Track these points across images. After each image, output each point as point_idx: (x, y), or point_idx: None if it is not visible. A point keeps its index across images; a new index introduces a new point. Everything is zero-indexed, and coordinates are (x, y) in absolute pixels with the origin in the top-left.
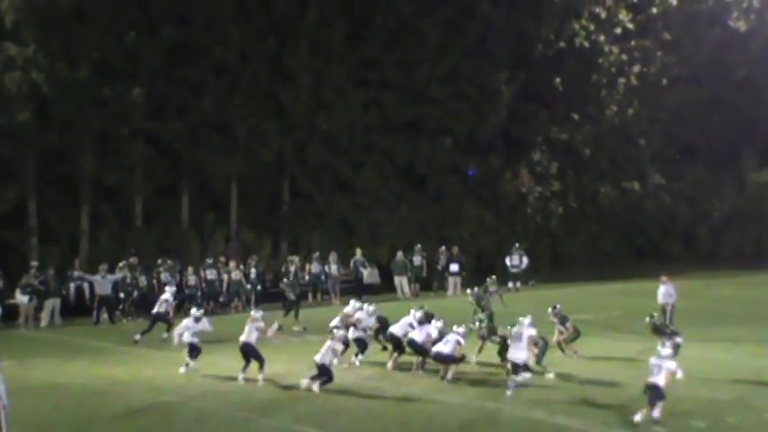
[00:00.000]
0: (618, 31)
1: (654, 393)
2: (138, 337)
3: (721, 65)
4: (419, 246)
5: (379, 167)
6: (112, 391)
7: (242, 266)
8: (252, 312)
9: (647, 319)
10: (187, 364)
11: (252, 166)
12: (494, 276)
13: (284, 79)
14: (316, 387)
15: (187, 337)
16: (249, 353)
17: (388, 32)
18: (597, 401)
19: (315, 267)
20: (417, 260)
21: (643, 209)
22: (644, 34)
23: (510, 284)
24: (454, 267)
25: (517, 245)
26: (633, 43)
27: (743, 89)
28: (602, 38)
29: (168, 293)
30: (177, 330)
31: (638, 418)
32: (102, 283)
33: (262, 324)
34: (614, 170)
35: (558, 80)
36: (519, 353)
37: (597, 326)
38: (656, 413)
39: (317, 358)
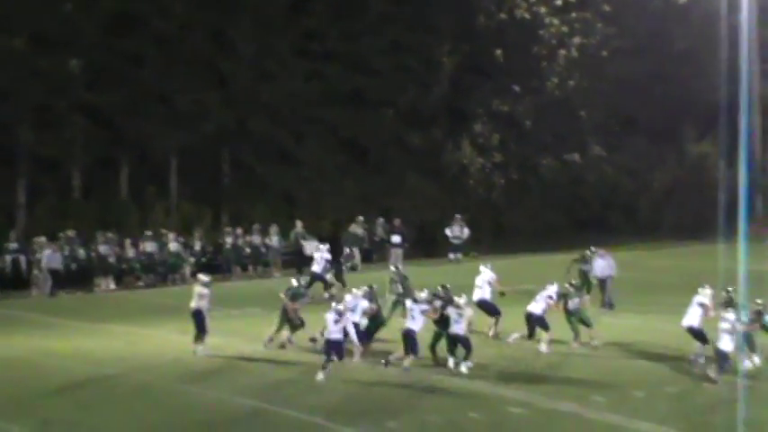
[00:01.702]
0: (558, 2)
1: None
2: None
3: (662, 37)
4: (361, 218)
5: (322, 139)
6: (52, 364)
7: (181, 239)
8: (200, 276)
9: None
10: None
11: (193, 138)
12: None
13: (226, 50)
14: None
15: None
16: (198, 320)
17: (331, 4)
18: (539, 372)
19: (255, 239)
20: (360, 232)
21: (584, 180)
22: (584, 6)
23: (451, 255)
24: (396, 239)
25: (458, 216)
26: (574, 15)
27: (683, 61)
28: (542, 9)
29: None
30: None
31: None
32: (53, 257)
33: (206, 291)
34: (556, 142)
35: (499, 52)
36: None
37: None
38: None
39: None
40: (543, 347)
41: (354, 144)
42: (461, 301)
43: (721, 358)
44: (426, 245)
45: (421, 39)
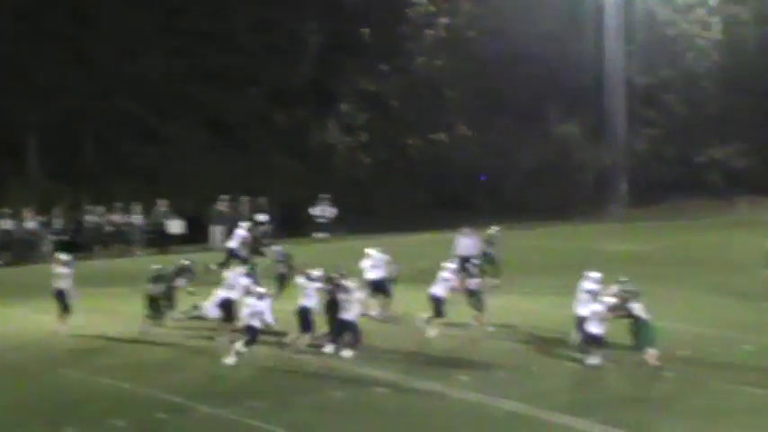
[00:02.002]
0: None
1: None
2: None
3: (528, 18)
4: (225, 197)
5: (187, 117)
6: None
7: (39, 217)
8: (60, 256)
9: None
10: None
11: (53, 114)
12: None
13: (88, 25)
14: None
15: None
16: (60, 300)
17: None
18: (406, 352)
19: (117, 218)
20: (224, 211)
21: (450, 160)
22: None
23: (319, 235)
24: (261, 218)
25: (324, 196)
26: None
27: (549, 42)
28: None
29: None
30: None
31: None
32: None
33: (67, 270)
34: (422, 121)
35: (366, 31)
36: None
37: (404, 276)
38: None
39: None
40: (431, 332)
41: (220, 123)
42: (351, 284)
43: (592, 341)
44: (292, 224)
45: (287, 17)
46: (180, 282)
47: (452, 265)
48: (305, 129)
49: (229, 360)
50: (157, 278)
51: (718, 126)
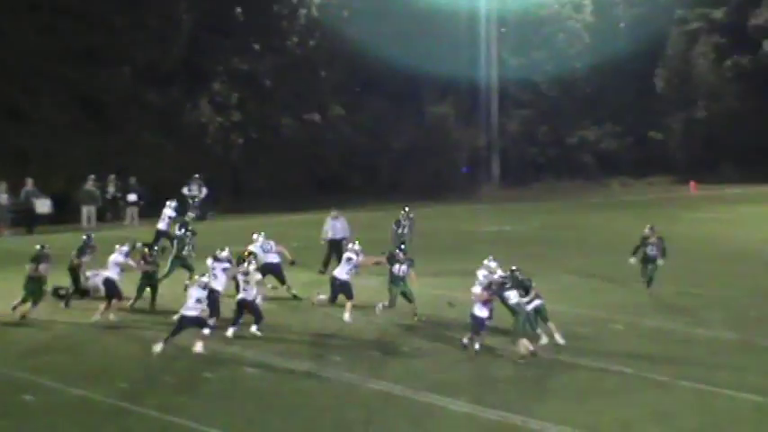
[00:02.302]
0: None
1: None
2: None
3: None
4: (93, 176)
5: (56, 96)
6: None
7: None
8: None
9: None
10: None
11: None
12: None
13: None
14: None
15: None
16: None
17: None
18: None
19: None
20: (93, 190)
21: (324, 141)
22: None
23: (189, 214)
24: (132, 197)
25: (196, 175)
26: None
27: (424, 24)
28: None
29: None
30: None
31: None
32: None
33: None
34: (296, 101)
35: (239, 10)
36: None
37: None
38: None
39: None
40: (347, 316)
41: (90, 101)
42: (251, 267)
43: (476, 324)
44: (163, 204)
45: None
46: (85, 258)
47: (356, 246)
48: (177, 108)
49: (157, 348)
50: (39, 258)
51: (590, 108)
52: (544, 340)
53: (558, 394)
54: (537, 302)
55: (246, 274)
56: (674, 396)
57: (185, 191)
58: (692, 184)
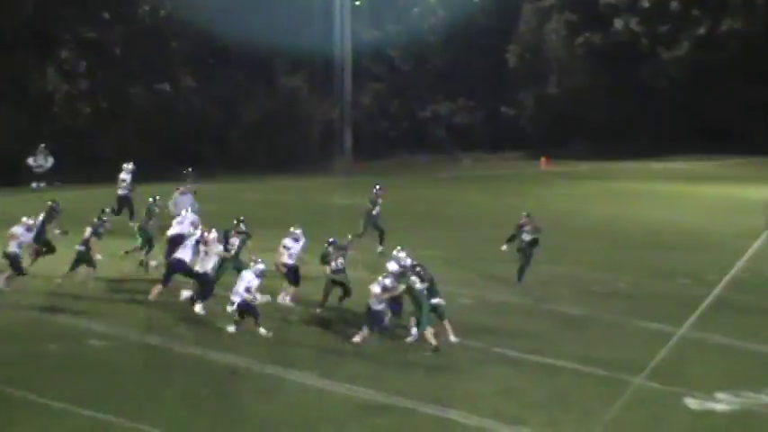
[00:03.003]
0: None
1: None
2: None
3: None
4: None
5: None
6: None
7: None
8: None
9: None
10: None
11: None
12: None
13: None
14: None
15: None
16: None
17: None
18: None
19: None
20: None
21: (175, 111)
22: None
23: (34, 185)
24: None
25: (42, 145)
26: None
27: None
28: None
29: None
30: None
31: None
32: None
33: None
34: (146, 71)
35: None
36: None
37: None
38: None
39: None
40: (285, 298)
41: None
42: (211, 236)
43: (372, 318)
44: (8, 174)
45: None
46: (153, 222)
47: (298, 231)
48: (23, 76)
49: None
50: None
51: (443, 82)
52: (413, 332)
53: (408, 368)
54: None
55: (206, 243)
56: (522, 370)
57: (31, 161)
58: (543, 159)
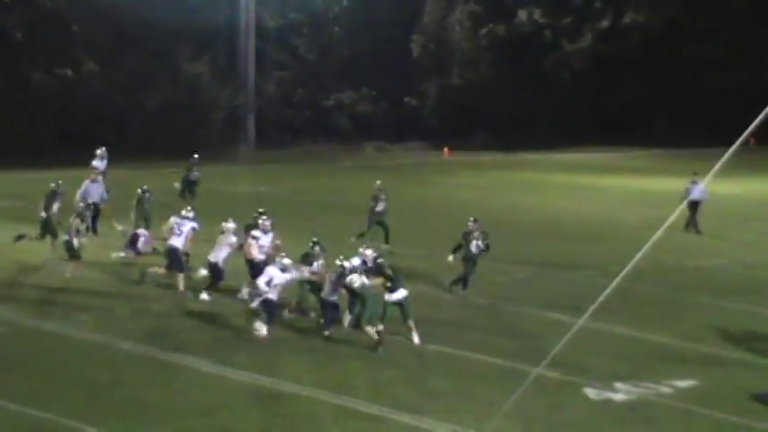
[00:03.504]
0: None
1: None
2: None
3: None
4: None
5: None
6: None
7: None
8: None
9: None
10: None
11: None
12: None
13: None
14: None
15: None
16: None
17: None
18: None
19: None
20: None
21: (76, 96)
22: None
23: None
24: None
25: None
26: None
27: None
28: None
29: None
30: None
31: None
32: None
33: None
34: (47, 56)
35: None
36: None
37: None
38: None
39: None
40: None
41: None
42: (229, 225)
43: (329, 309)
44: None
45: None
46: (55, 207)
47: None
48: None
49: (261, 333)
50: None
51: (347, 71)
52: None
53: (308, 356)
54: (401, 295)
55: (222, 233)
56: (424, 358)
57: None
58: (445, 149)
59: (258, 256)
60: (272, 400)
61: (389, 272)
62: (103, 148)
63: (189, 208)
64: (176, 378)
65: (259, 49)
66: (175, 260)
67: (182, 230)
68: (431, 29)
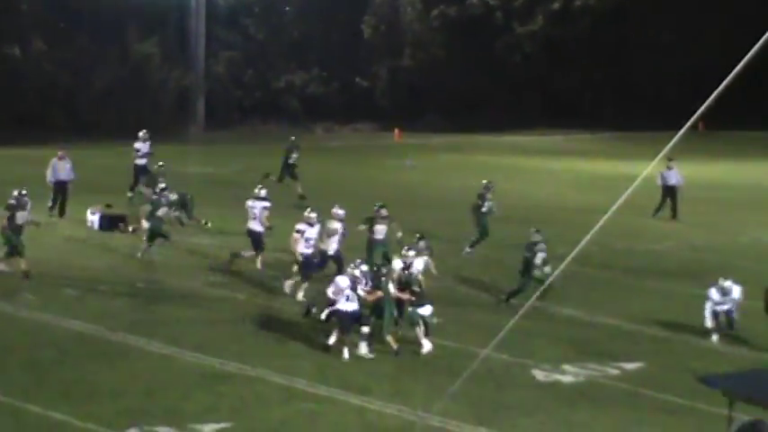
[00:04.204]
0: None
1: None
2: None
3: None
4: None
5: None
6: None
7: None
8: None
9: None
10: None
11: None
12: None
13: None
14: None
15: None
16: None
17: None
18: None
19: None
20: None
21: (24, 76)
22: None
23: None
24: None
25: None
26: None
27: None
28: None
29: None
30: None
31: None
32: None
33: None
34: None
35: None
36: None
37: None
38: None
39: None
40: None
41: None
42: (338, 211)
43: (344, 320)
44: None
45: None
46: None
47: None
48: None
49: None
50: None
51: (298, 52)
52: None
53: (256, 337)
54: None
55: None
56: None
57: None
58: (396, 131)
59: (305, 250)
60: (218, 381)
61: (417, 289)
62: (145, 131)
63: (260, 186)
64: (123, 358)
65: (209, 29)
66: (256, 241)
67: (255, 213)
68: (382, 10)
